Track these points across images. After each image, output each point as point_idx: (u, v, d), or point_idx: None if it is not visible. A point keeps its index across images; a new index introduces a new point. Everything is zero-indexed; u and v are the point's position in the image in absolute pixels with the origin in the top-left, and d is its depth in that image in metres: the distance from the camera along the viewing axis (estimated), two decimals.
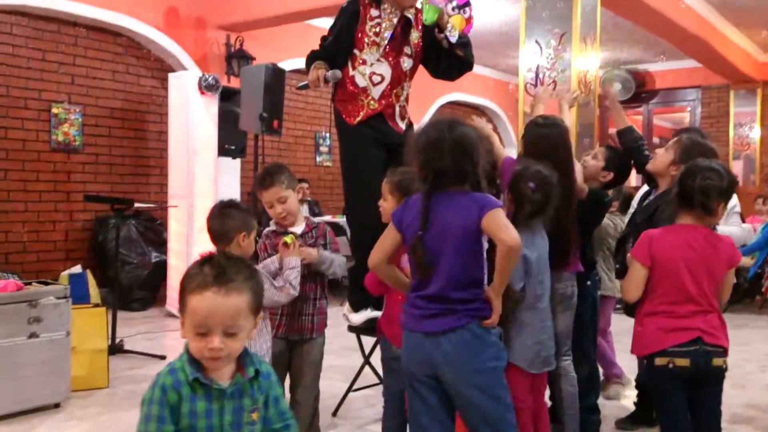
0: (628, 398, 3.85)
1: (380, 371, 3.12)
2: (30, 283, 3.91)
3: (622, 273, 2.81)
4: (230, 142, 6.73)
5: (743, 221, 7.47)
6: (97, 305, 4.55)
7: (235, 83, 7.22)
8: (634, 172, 3.79)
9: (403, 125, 3.50)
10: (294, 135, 8.94)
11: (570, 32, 5.42)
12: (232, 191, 7.54)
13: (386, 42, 3.36)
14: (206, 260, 1.55)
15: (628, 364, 3.92)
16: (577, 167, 2.99)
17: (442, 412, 2.22)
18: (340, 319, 3.54)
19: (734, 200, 3.72)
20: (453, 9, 3.37)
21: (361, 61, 3.37)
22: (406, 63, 3.45)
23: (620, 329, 5.52)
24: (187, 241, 6.21)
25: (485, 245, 2.20)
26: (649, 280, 2.51)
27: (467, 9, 3.39)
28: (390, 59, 3.38)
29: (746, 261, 6.43)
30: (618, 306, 6.54)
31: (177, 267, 6.25)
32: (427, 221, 2.15)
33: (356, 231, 3.54)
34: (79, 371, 3.95)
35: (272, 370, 1.67)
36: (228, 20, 7.47)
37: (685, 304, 2.45)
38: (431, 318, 2.17)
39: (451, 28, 3.30)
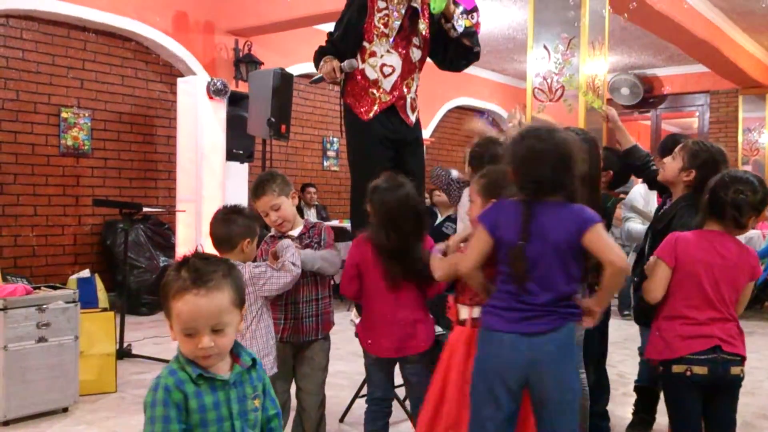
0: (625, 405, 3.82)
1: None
2: (39, 288, 3.92)
3: (640, 285, 2.79)
4: (238, 146, 6.75)
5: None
6: (105, 309, 4.56)
7: (243, 88, 7.25)
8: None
9: (413, 117, 3.51)
10: (302, 139, 8.96)
11: (578, 37, 5.41)
12: (240, 196, 7.56)
13: (395, 33, 3.36)
14: (182, 264, 1.58)
15: (630, 370, 3.90)
16: None
17: (511, 426, 2.18)
18: (347, 325, 3.53)
19: None
20: (462, 14, 3.38)
21: (370, 53, 3.37)
22: (416, 53, 3.45)
23: (627, 335, 5.53)
24: (195, 246, 6.22)
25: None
26: (671, 281, 2.49)
27: (475, 14, 3.41)
28: (400, 50, 3.39)
29: None
30: (626, 313, 6.54)
31: None
32: (528, 232, 2.12)
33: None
34: (88, 375, 3.96)
35: (259, 359, 1.72)
36: (236, 25, 7.50)
37: (704, 309, 2.44)
38: (532, 320, 2.13)
39: (457, 17, 3.31)
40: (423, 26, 3.46)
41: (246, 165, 7.34)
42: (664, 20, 6.80)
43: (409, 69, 3.43)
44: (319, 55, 3.44)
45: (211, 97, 6.41)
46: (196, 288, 1.52)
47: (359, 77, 3.37)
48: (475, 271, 2.23)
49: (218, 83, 6.44)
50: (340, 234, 6.58)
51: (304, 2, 6.85)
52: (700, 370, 2.40)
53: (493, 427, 2.15)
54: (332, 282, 3.05)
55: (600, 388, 3.18)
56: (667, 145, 3.72)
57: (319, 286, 2.88)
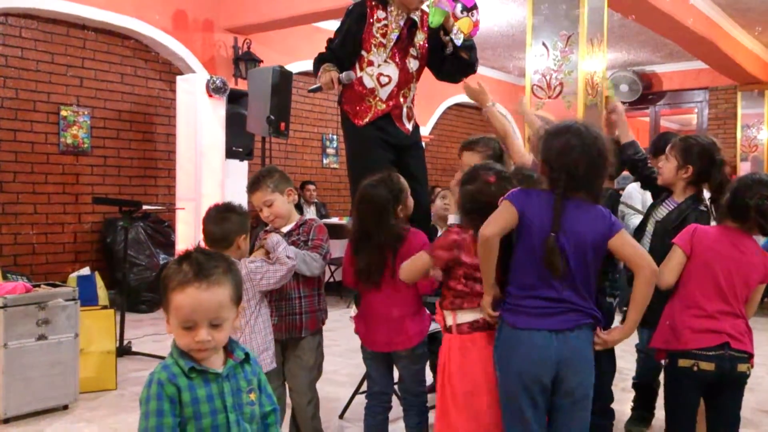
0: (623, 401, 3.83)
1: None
2: (39, 286, 3.93)
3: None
4: (238, 144, 6.75)
5: None
6: (105, 307, 4.58)
7: (242, 86, 7.25)
8: None
9: (409, 126, 3.52)
10: (301, 137, 8.96)
11: (577, 34, 5.41)
12: (240, 193, 7.53)
13: (393, 43, 3.37)
14: (184, 257, 1.60)
15: (629, 366, 3.90)
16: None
17: (543, 422, 2.18)
18: (347, 321, 3.54)
19: None
20: (461, 12, 3.38)
21: (368, 63, 3.39)
22: (413, 64, 3.47)
23: None
24: (197, 241, 6.22)
25: None
26: (685, 269, 2.51)
27: (475, 12, 3.41)
28: (397, 60, 3.40)
29: None
30: (626, 309, 6.55)
31: None
32: (559, 224, 2.11)
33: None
34: (88, 373, 3.97)
35: (253, 355, 1.73)
36: (236, 23, 7.50)
37: (716, 301, 2.45)
38: (557, 315, 2.13)
39: (456, 31, 3.32)
40: (421, 38, 3.47)
41: (245, 162, 7.34)
42: (662, 17, 6.80)
43: (406, 79, 3.44)
44: (318, 62, 3.46)
45: (210, 95, 6.41)
46: (198, 281, 1.55)
47: (356, 85, 3.39)
48: (496, 240, 2.14)
49: (217, 81, 6.44)
50: (339, 231, 6.59)
51: (303, 0, 6.85)
52: (707, 366, 2.41)
53: (537, 428, 2.15)
54: (323, 279, 3.04)
55: (602, 385, 3.17)
56: (659, 144, 3.72)
57: (302, 284, 2.86)
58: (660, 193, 3.24)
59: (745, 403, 2.59)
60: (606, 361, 2.93)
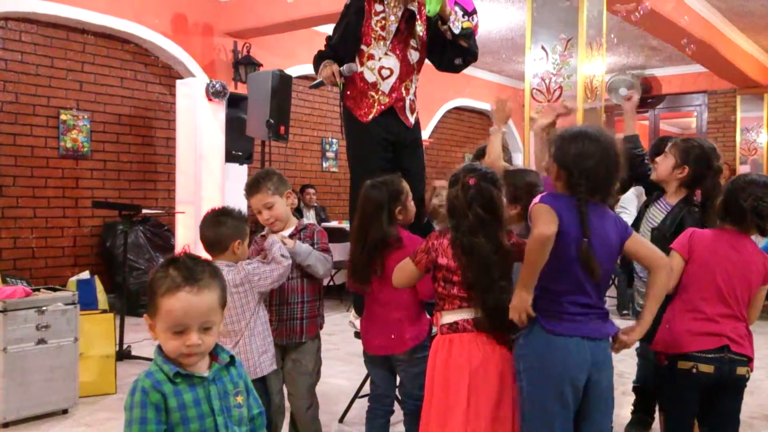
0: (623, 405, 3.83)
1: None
2: (38, 290, 3.93)
3: (631, 283, 2.82)
4: (237, 148, 6.76)
5: None
6: (104, 311, 4.57)
7: (242, 89, 7.26)
8: None
9: (412, 119, 3.52)
10: (301, 141, 8.97)
11: (576, 38, 5.42)
12: (239, 197, 7.53)
13: (392, 35, 3.38)
14: (170, 263, 1.61)
15: (629, 370, 3.90)
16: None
17: (571, 425, 2.19)
18: (347, 325, 3.54)
19: None
20: (463, 16, 3.41)
21: (369, 56, 3.39)
22: (413, 55, 3.47)
23: None
24: (195, 247, 6.23)
25: None
26: (684, 274, 2.51)
27: (474, 16, 3.43)
28: (397, 52, 3.41)
29: None
30: (625, 312, 6.55)
31: None
32: (589, 228, 2.12)
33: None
34: (87, 377, 3.97)
35: (238, 359, 1.74)
36: (235, 27, 7.51)
37: (716, 304, 2.45)
38: (590, 322, 2.16)
39: (453, 19, 3.33)
40: (420, 28, 3.48)
41: (245, 166, 7.34)
42: (662, 21, 6.81)
43: (408, 71, 3.45)
44: (318, 60, 3.47)
45: (210, 99, 6.42)
46: (189, 286, 1.56)
47: (358, 80, 3.39)
48: (553, 239, 2.07)
49: (217, 85, 6.45)
50: (338, 235, 6.60)
51: (302, 4, 6.86)
52: (707, 368, 2.41)
53: (559, 426, 2.15)
54: (323, 286, 3.04)
55: None
56: (659, 146, 3.71)
57: (306, 289, 2.87)
58: (652, 190, 3.25)
59: (744, 406, 2.58)
60: None
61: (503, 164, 3.06)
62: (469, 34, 3.43)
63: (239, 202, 7.93)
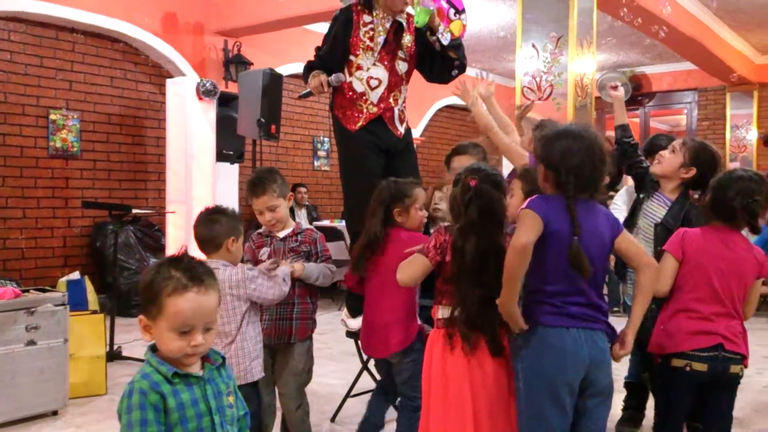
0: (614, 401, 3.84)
1: (378, 376, 3.14)
2: (28, 291, 3.91)
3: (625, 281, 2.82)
4: (228, 147, 6.74)
5: None
6: (95, 312, 4.55)
7: (233, 88, 7.24)
8: None
9: (401, 129, 3.53)
10: (292, 139, 8.95)
11: (566, 36, 5.43)
12: (230, 196, 7.55)
13: (380, 46, 3.39)
14: (172, 262, 1.61)
15: (619, 365, 3.90)
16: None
17: (568, 426, 2.17)
18: (338, 324, 3.54)
19: None
20: (454, 14, 3.41)
21: (357, 67, 3.39)
22: (402, 66, 3.48)
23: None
24: (182, 247, 6.20)
25: None
26: (678, 275, 2.51)
27: (463, 15, 3.43)
28: (386, 63, 3.41)
29: None
30: (615, 309, 6.57)
31: None
32: (579, 226, 2.11)
33: (356, 237, 3.55)
34: (78, 378, 3.95)
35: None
36: (226, 26, 7.48)
37: (711, 303, 2.45)
38: (588, 317, 2.15)
39: (442, 30, 3.34)
40: (409, 39, 3.49)
41: (236, 165, 7.33)
42: (651, 18, 6.83)
43: (396, 81, 3.45)
44: (307, 70, 3.47)
45: (200, 98, 6.39)
46: (196, 285, 1.57)
47: (347, 90, 3.40)
48: (530, 249, 2.07)
49: (207, 84, 6.42)
50: (330, 234, 6.59)
51: (293, 2, 6.84)
52: (700, 366, 2.42)
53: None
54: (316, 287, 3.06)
55: None
56: (654, 143, 3.71)
57: (299, 291, 2.88)
58: (641, 181, 3.24)
59: (736, 402, 2.60)
60: None
61: (496, 130, 3.07)
62: (458, 45, 3.44)
63: (230, 201, 7.94)
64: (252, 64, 7.53)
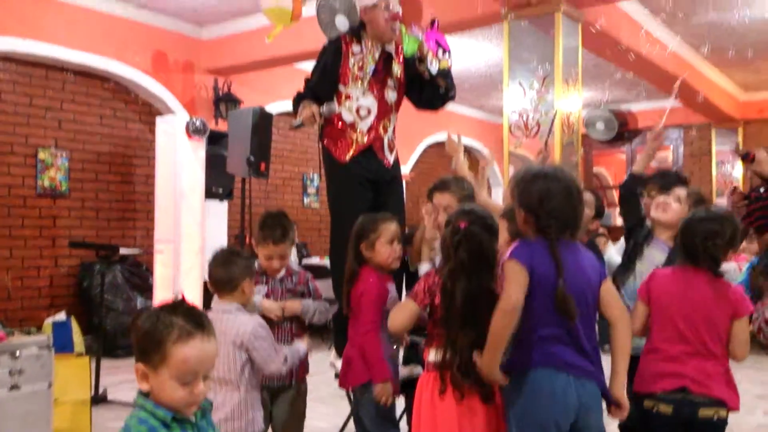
0: None
1: None
2: (12, 333, 3.84)
3: None
4: (217, 184, 6.74)
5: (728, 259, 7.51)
6: (80, 354, 4.49)
7: (223, 126, 7.27)
8: None
9: (391, 158, 3.55)
10: (282, 177, 8.96)
11: (552, 74, 5.50)
12: (219, 234, 7.53)
13: (370, 75, 3.42)
14: (170, 309, 1.58)
15: None
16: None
17: None
18: (326, 366, 3.50)
19: None
20: (442, 54, 3.47)
21: (346, 96, 3.43)
22: (391, 95, 3.51)
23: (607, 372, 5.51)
24: (174, 286, 6.16)
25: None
26: (649, 317, 2.53)
27: (448, 56, 3.49)
28: (375, 92, 3.45)
29: None
30: (606, 344, 6.53)
31: None
32: (563, 269, 2.08)
33: (341, 274, 3.54)
34: (62, 423, 3.86)
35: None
36: (216, 64, 7.54)
37: (676, 343, 2.44)
38: (579, 363, 2.11)
39: (431, 58, 3.38)
40: (398, 68, 3.53)
41: (225, 203, 7.32)
42: (635, 57, 6.94)
43: (385, 110, 3.49)
44: (297, 101, 3.50)
45: (190, 136, 6.41)
46: (201, 333, 1.55)
47: (336, 120, 3.42)
48: (520, 308, 2.05)
49: (197, 122, 6.44)
50: (320, 271, 6.55)
51: (283, 41, 6.91)
52: (666, 408, 2.40)
53: None
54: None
55: None
56: (669, 179, 3.59)
57: (296, 332, 2.89)
58: (633, 227, 3.20)
59: None
60: None
61: (484, 198, 3.07)
62: (446, 73, 3.48)
63: (219, 240, 7.87)
64: (242, 102, 7.57)
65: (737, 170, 10.41)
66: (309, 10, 5.82)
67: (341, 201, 3.44)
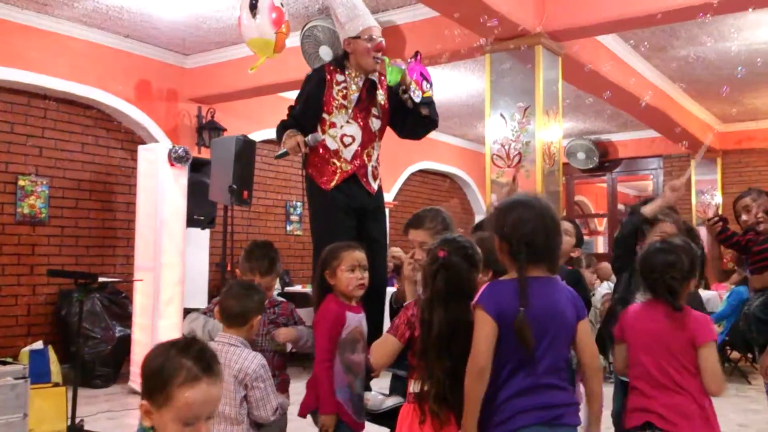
0: None
1: None
2: None
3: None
4: (199, 212, 6.71)
5: (708, 288, 7.56)
6: (57, 384, 4.42)
7: (206, 154, 7.26)
8: None
9: (375, 186, 3.56)
10: (264, 204, 8.95)
11: (533, 106, 5.58)
12: (201, 262, 7.48)
13: (354, 104, 3.45)
14: (183, 349, 1.55)
15: None
16: None
17: None
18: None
19: None
20: (427, 87, 3.52)
21: (330, 124, 3.45)
22: (375, 123, 3.54)
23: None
24: (153, 315, 6.09)
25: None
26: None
27: (427, 85, 3.54)
28: (359, 120, 3.47)
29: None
30: (608, 375, 6.50)
31: (141, 341, 6.11)
32: (527, 297, 2.05)
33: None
34: None
35: None
36: (200, 93, 7.56)
37: (645, 378, 2.43)
38: (543, 409, 2.07)
39: (414, 88, 3.42)
40: (381, 97, 3.57)
41: (207, 231, 7.28)
42: (615, 89, 7.06)
43: (369, 138, 3.51)
44: (281, 129, 3.51)
45: (172, 164, 6.38)
46: (208, 376, 1.53)
47: (320, 148, 3.44)
48: (489, 369, 2.04)
49: (180, 150, 6.43)
50: (302, 300, 6.51)
51: (267, 71, 6.95)
52: None
53: None
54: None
55: None
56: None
57: (276, 363, 2.90)
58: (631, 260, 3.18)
59: None
60: None
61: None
62: (429, 102, 3.52)
63: (201, 267, 7.78)
64: (225, 130, 7.58)
65: (717, 199, 10.54)
66: (293, 40, 5.87)
67: (324, 229, 3.44)
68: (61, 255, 6.78)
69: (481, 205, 11.49)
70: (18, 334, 6.41)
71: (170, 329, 5.93)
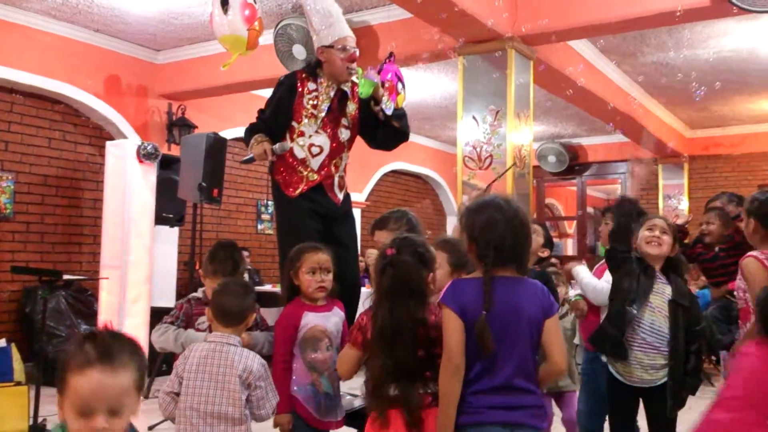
0: None
1: None
2: None
3: None
4: (168, 210, 6.63)
5: None
6: (19, 383, 4.33)
7: (176, 151, 7.17)
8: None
9: (341, 196, 3.55)
10: (235, 203, 8.88)
11: (505, 109, 5.62)
12: (169, 260, 7.40)
13: (324, 114, 3.43)
14: (89, 337, 1.51)
15: None
16: None
17: None
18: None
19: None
20: (401, 88, 3.52)
21: (299, 133, 3.42)
22: (344, 134, 3.52)
23: None
24: (119, 313, 6.00)
25: None
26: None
27: (400, 86, 3.54)
28: (328, 130, 3.45)
29: None
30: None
31: None
32: (491, 302, 2.05)
33: None
34: None
35: None
36: (170, 89, 7.47)
37: None
38: (508, 409, 2.06)
39: (386, 100, 3.41)
40: (352, 108, 3.54)
41: (176, 229, 7.20)
42: (585, 94, 7.14)
43: (338, 149, 3.49)
44: (249, 133, 3.49)
45: (141, 161, 6.31)
46: (102, 364, 1.45)
47: (288, 156, 3.42)
48: (461, 370, 2.04)
49: (148, 147, 6.35)
50: (272, 299, 6.48)
51: (239, 68, 6.89)
52: None
53: None
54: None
55: None
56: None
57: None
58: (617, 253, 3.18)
59: None
60: None
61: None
62: (401, 114, 3.51)
63: (169, 266, 7.69)
64: (197, 127, 7.50)
65: (683, 204, 10.73)
66: (266, 38, 5.84)
67: (289, 233, 3.43)
68: (26, 251, 6.66)
69: (453, 206, 11.54)
70: None
71: (137, 328, 5.85)
